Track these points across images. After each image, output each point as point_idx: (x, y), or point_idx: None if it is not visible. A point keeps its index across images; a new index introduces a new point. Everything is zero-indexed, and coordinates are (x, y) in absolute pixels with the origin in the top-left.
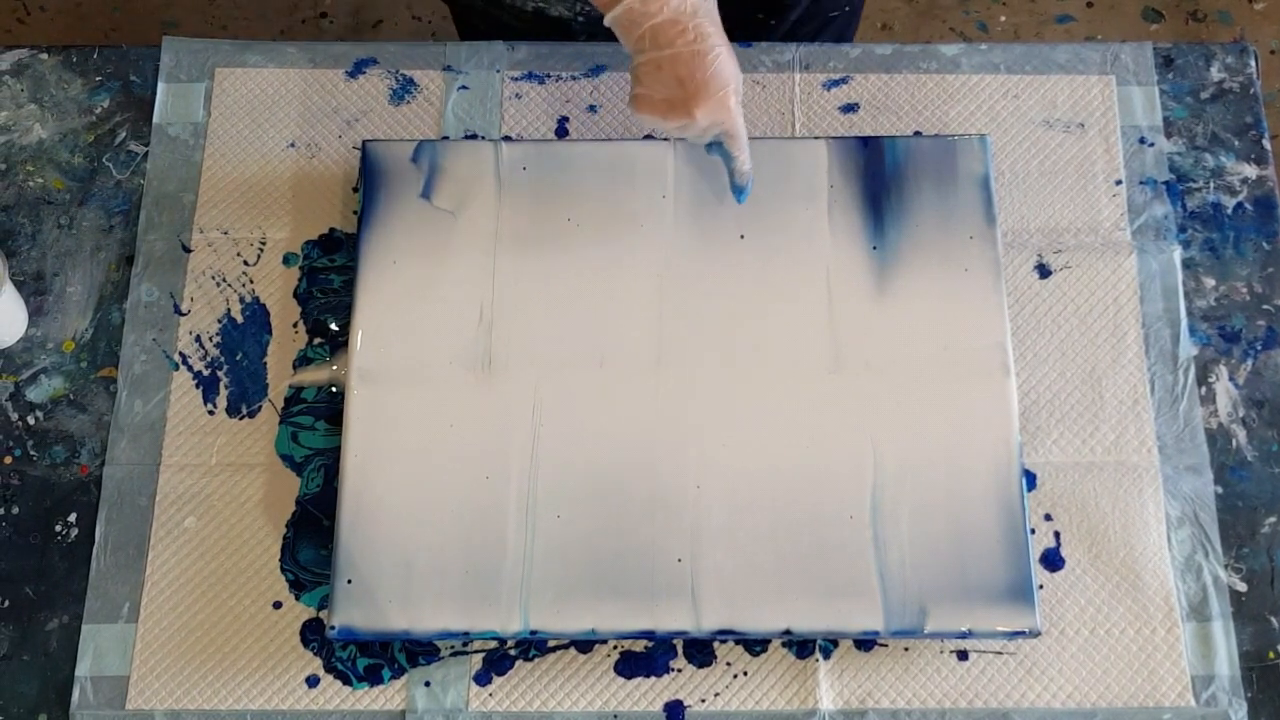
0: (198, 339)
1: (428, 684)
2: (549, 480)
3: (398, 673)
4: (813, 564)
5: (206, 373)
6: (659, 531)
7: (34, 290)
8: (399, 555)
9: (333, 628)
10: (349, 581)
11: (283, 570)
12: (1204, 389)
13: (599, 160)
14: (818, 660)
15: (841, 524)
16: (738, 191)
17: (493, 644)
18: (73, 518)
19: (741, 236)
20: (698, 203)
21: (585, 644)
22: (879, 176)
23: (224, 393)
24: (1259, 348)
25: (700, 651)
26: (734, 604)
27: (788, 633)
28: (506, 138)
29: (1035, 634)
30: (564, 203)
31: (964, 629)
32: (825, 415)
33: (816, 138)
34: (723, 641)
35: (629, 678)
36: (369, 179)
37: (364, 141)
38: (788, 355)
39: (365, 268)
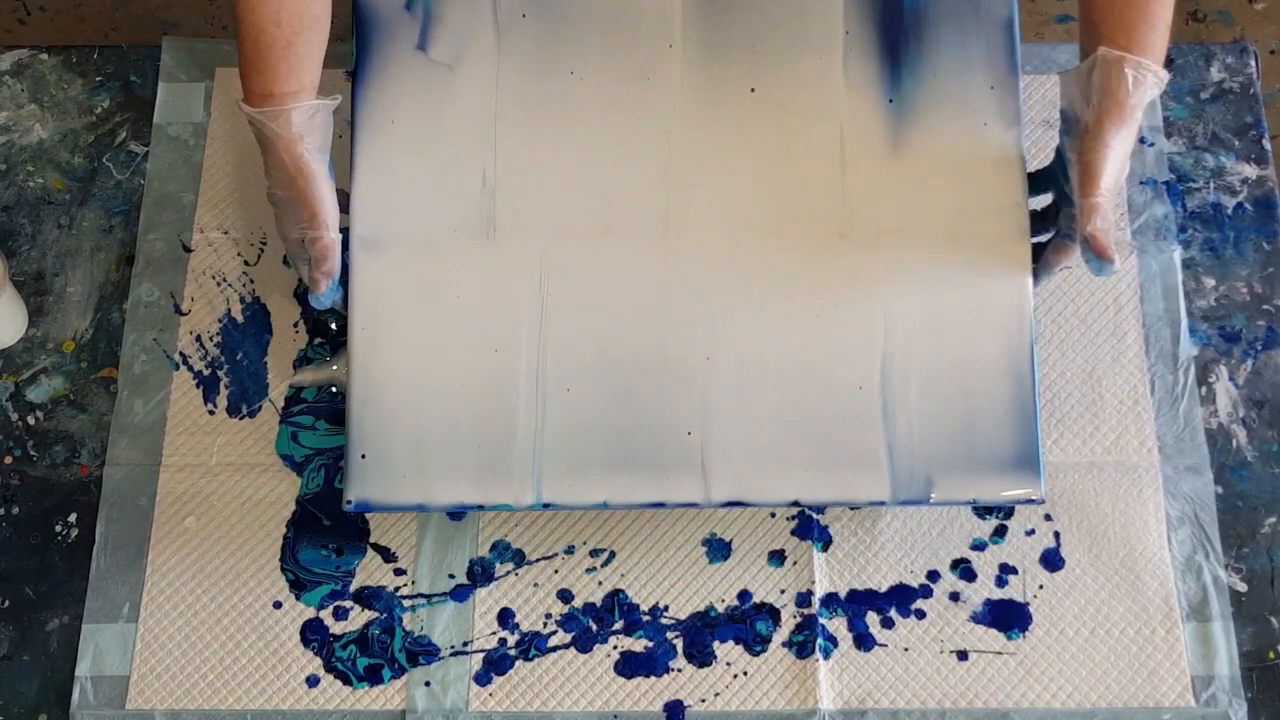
0: (198, 339)
1: (428, 684)
2: (557, 353)
3: (398, 673)
4: (821, 435)
5: (207, 373)
6: (668, 405)
7: (34, 290)
8: (411, 429)
9: (349, 502)
10: (363, 456)
11: (283, 570)
12: (1204, 389)
13: (602, 6)
14: (818, 660)
15: (851, 395)
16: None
17: (494, 642)
18: (73, 518)
19: (752, 90)
20: (706, 53)
21: (585, 644)
22: (897, 20)
23: (224, 393)
24: (1259, 348)
25: (700, 651)
26: (743, 476)
27: (795, 503)
28: None
29: (1040, 502)
30: (566, 54)
31: (970, 498)
32: (836, 284)
33: None
34: (732, 507)
35: (629, 678)
36: (362, 30)
37: None
38: (798, 220)
39: (362, 128)
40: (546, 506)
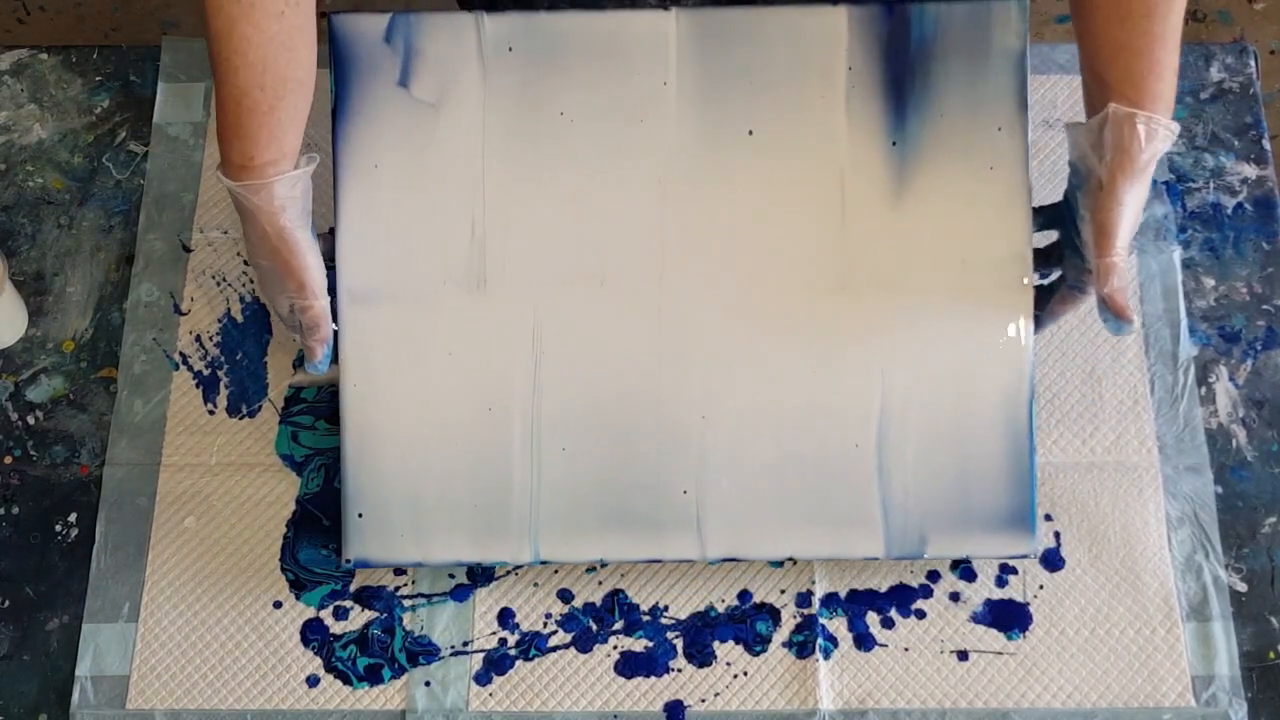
0: (198, 339)
1: (428, 684)
2: (552, 412)
3: (398, 673)
4: (816, 494)
5: (207, 372)
6: (664, 463)
7: (34, 290)
8: (407, 488)
9: (348, 560)
10: (359, 515)
11: (283, 570)
12: (1204, 389)
13: (593, 37)
14: (818, 660)
15: (846, 453)
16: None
17: (494, 642)
18: (73, 518)
19: (750, 132)
20: (702, 91)
21: (585, 644)
22: (903, 56)
23: (224, 392)
24: (1259, 348)
25: (700, 651)
26: (738, 533)
27: (791, 559)
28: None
29: (1031, 557)
30: (556, 92)
31: (963, 554)
32: (834, 338)
33: (835, 2)
34: (724, 562)
35: (629, 678)
36: (340, 63)
37: (330, 15)
38: (797, 271)
39: (345, 173)
40: (544, 563)
